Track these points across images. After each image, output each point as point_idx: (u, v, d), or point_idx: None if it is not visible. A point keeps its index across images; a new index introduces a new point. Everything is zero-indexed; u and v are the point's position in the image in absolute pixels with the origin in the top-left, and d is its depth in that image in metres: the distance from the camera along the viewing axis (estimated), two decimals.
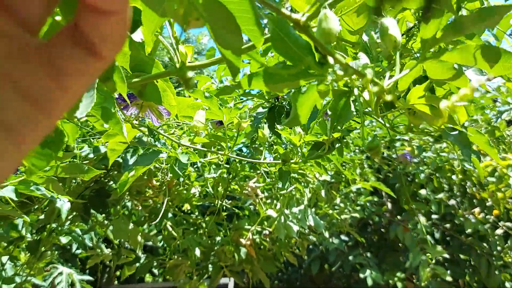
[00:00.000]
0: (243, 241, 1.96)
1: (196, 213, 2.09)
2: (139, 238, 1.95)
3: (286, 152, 1.00)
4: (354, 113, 0.49)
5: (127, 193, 1.86)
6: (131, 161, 1.21)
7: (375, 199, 2.80)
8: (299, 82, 0.47)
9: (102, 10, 0.24)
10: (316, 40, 0.40)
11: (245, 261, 2.00)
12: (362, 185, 1.92)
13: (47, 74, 0.25)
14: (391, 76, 0.47)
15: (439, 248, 2.71)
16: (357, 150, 2.18)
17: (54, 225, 1.86)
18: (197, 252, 1.78)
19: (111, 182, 1.88)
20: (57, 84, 0.25)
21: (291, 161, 0.99)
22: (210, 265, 2.03)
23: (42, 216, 1.83)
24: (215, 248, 1.99)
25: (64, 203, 1.61)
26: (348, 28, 0.65)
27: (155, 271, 2.02)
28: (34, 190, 1.00)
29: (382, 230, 3.34)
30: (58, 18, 0.37)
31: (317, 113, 0.95)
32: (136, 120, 0.97)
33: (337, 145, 1.06)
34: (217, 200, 1.52)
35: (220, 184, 1.53)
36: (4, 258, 1.90)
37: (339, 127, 1.09)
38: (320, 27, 0.44)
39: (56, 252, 2.45)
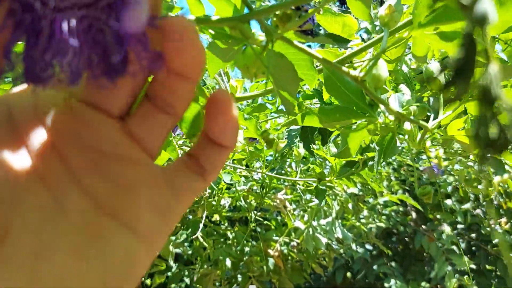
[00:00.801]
0: (271, 252, 2.00)
1: (226, 224, 2.14)
2: (170, 247, 2.01)
3: (322, 172, 1.04)
4: (400, 147, 0.53)
5: None
6: None
7: (400, 208, 2.81)
8: (351, 121, 0.51)
9: (223, 146, 0.32)
10: (370, 91, 0.44)
11: (273, 272, 2.04)
12: (389, 198, 1.94)
13: (170, 193, 0.31)
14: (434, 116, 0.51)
15: (465, 258, 2.70)
16: (383, 163, 2.20)
17: None
18: (228, 262, 1.83)
19: None
20: (176, 201, 0.32)
21: (326, 178, 1.04)
22: (238, 275, 2.07)
23: None
24: (244, 258, 2.03)
25: None
26: (385, 58, 0.69)
27: (186, 280, 2.07)
28: None
29: (407, 239, 3.33)
30: None
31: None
32: (180, 140, 1.03)
33: (370, 163, 1.10)
34: (249, 214, 1.57)
35: (253, 198, 1.58)
36: None
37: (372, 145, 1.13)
38: (371, 74, 0.48)
39: None
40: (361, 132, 0.52)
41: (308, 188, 1.19)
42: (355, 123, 0.52)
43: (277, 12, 0.46)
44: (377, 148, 0.55)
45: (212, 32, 0.56)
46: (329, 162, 1.19)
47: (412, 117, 0.50)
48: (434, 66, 0.51)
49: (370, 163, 1.10)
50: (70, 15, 0.24)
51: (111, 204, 0.29)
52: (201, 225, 1.90)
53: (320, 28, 0.50)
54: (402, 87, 0.58)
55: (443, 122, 0.55)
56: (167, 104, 0.32)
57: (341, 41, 0.45)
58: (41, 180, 0.28)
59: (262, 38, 0.41)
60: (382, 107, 0.46)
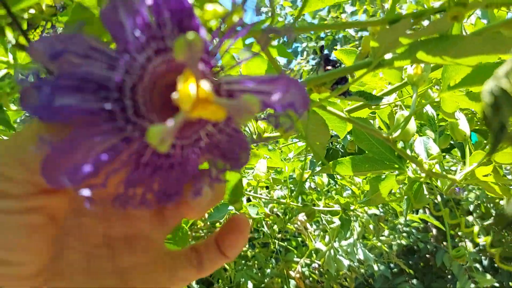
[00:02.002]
0: (292, 273, 2.00)
1: (247, 245, 2.15)
2: None
3: (348, 203, 1.05)
4: (427, 196, 0.55)
5: None
6: None
7: (421, 225, 2.78)
8: (381, 171, 0.53)
9: (226, 256, 0.38)
10: (401, 151, 0.45)
11: None
12: (410, 218, 1.93)
13: (167, 277, 0.38)
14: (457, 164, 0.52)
15: (488, 276, 2.65)
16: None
17: None
18: (250, 285, 1.83)
19: None
20: (170, 284, 0.38)
21: (351, 207, 1.05)
22: None
23: None
24: (265, 280, 2.03)
25: None
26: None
27: None
28: None
29: (428, 256, 3.29)
30: None
31: None
32: None
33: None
34: (272, 239, 1.58)
35: (275, 222, 1.59)
36: None
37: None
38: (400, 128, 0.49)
39: None
40: (390, 182, 0.54)
41: (334, 216, 1.20)
42: (384, 173, 0.54)
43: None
44: (405, 196, 0.56)
45: None
46: (349, 188, 1.20)
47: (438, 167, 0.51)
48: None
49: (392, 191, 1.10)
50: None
51: (128, 276, 0.36)
52: None
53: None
54: (429, 133, 0.59)
55: (470, 172, 0.56)
56: (200, 261, 0.39)
57: (373, 99, 0.47)
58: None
59: None
60: (413, 165, 0.48)
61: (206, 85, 0.24)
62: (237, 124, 0.25)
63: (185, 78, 0.24)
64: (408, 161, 0.51)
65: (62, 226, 0.33)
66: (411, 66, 0.48)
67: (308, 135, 0.51)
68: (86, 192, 0.27)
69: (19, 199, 0.28)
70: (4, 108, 0.47)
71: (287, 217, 1.57)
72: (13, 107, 0.42)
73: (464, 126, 0.51)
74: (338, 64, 0.43)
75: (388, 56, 0.41)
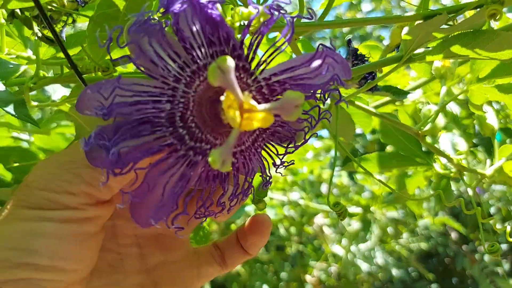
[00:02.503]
0: (308, 277, 1.98)
1: (261, 249, 2.14)
2: None
3: (368, 204, 1.03)
4: (455, 192, 0.53)
5: None
6: None
7: (440, 228, 2.73)
8: (408, 167, 0.52)
9: (248, 254, 0.41)
10: (431, 145, 0.44)
11: None
12: (431, 221, 1.89)
13: (195, 274, 0.41)
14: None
15: (510, 281, 2.60)
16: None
17: None
18: None
19: None
20: (198, 281, 0.42)
21: (371, 208, 1.03)
22: None
23: None
24: (280, 283, 2.02)
25: None
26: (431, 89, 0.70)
27: None
28: None
29: (448, 260, 3.23)
30: None
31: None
32: None
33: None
34: (289, 241, 1.57)
35: (290, 224, 1.58)
36: None
37: None
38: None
39: None
40: (417, 178, 0.53)
41: (353, 217, 1.18)
42: (411, 170, 0.53)
43: None
44: (432, 192, 0.55)
45: None
46: (368, 188, 1.18)
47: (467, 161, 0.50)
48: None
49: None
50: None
51: (157, 274, 0.39)
52: None
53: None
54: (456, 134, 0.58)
55: (498, 168, 0.54)
56: (223, 259, 0.42)
57: (400, 94, 0.46)
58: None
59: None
60: (442, 159, 0.47)
61: (248, 99, 0.25)
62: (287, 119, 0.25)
63: (227, 99, 0.25)
64: (435, 156, 0.50)
65: None
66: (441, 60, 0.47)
67: (333, 130, 0.50)
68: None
69: (77, 210, 0.31)
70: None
71: (303, 218, 1.56)
72: (34, 103, 0.42)
73: (492, 119, 0.50)
74: (366, 59, 0.43)
75: (418, 50, 0.40)
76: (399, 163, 0.50)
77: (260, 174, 0.34)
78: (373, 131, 0.98)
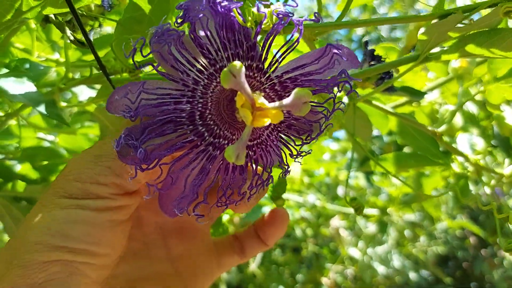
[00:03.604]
0: (324, 280, 1.98)
1: (277, 251, 2.14)
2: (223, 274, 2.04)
3: (385, 207, 1.03)
4: (473, 192, 0.54)
5: None
6: None
7: (458, 232, 2.70)
8: (425, 168, 0.52)
9: (266, 245, 0.44)
10: (448, 145, 0.45)
11: None
12: (448, 224, 1.88)
13: (216, 264, 0.44)
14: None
15: None
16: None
17: None
18: None
19: None
20: (218, 270, 0.45)
21: (387, 210, 1.03)
22: None
23: None
24: (296, 285, 2.02)
25: None
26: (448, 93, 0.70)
27: None
28: None
29: (466, 264, 3.18)
30: None
31: None
32: None
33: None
34: (304, 243, 1.57)
35: (307, 226, 1.58)
36: None
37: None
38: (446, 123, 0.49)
39: None
40: (435, 179, 0.53)
41: (369, 220, 1.18)
42: (429, 170, 0.53)
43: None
44: (450, 193, 0.55)
45: None
46: (385, 190, 1.18)
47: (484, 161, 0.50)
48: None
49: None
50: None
51: (179, 263, 0.41)
52: None
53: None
54: (471, 129, 0.58)
55: None
56: (242, 249, 0.44)
57: (417, 94, 0.47)
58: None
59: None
60: (459, 158, 0.47)
61: (259, 98, 0.28)
62: (298, 114, 0.28)
63: (239, 99, 0.28)
64: (453, 157, 0.50)
65: None
66: (457, 60, 0.48)
67: (350, 131, 0.51)
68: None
69: (108, 200, 0.34)
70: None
71: (320, 220, 1.56)
72: (63, 103, 0.44)
73: (511, 119, 0.50)
74: (382, 60, 0.44)
75: (434, 50, 0.41)
76: (417, 163, 0.51)
77: (279, 164, 0.36)
78: (390, 133, 0.98)
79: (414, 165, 0.51)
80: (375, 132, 1.03)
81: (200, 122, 0.34)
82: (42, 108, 0.41)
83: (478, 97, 0.63)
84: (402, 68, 0.45)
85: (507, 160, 0.50)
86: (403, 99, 0.58)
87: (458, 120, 0.47)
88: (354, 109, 0.40)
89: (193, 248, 0.43)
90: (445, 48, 0.39)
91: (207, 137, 0.34)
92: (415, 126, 0.42)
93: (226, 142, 0.35)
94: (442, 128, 0.44)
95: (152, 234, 0.42)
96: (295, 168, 1.12)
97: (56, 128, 0.76)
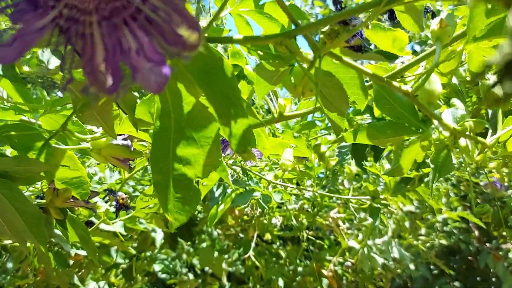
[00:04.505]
0: (325, 272, 1.96)
1: (278, 243, 2.13)
2: (224, 265, 2.03)
3: (376, 190, 1.01)
4: (456, 165, 0.51)
5: None
6: (217, 194, 1.29)
7: (462, 225, 2.66)
8: (403, 137, 0.50)
9: None
10: (422, 105, 0.43)
11: None
12: (449, 215, 1.84)
13: None
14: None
15: None
16: (441, 179, 2.11)
17: (148, 253, 1.99)
18: (281, 282, 1.81)
19: (197, 212, 1.99)
20: None
21: (381, 196, 1.01)
22: None
23: (134, 244, 1.97)
24: (297, 278, 2.00)
25: (158, 234, 1.73)
26: (438, 71, 0.67)
27: None
28: (138, 225, 1.10)
29: (470, 258, 3.14)
30: None
31: None
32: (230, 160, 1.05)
33: (426, 179, 1.06)
34: (301, 233, 1.55)
35: (304, 216, 1.56)
36: (101, 283, 2.05)
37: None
38: (424, 88, 0.47)
39: (146, 278, 2.60)
40: (414, 149, 0.51)
41: (362, 206, 1.16)
42: (408, 139, 0.51)
43: (324, 29, 0.47)
44: (431, 165, 0.53)
45: (260, 53, 0.57)
46: (383, 179, 1.16)
47: (468, 133, 0.48)
48: (491, 80, 0.49)
49: (426, 179, 1.06)
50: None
51: None
52: (252, 244, 1.90)
53: (370, 44, 0.49)
54: (455, 101, 0.56)
55: (502, 138, 0.52)
56: None
57: (392, 57, 0.44)
58: None
59: (310, 55, 0.41)
60: (436, 122, 0.45)
61: None
62: None
63: None
64: (433, 125, 0.48)
65: None
66: (436, 21, 0.45)
67: (325, 102, 0.49)
68: None
69: None
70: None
71: (315, 209, 1.54)
72: (26, 68, 0.43)
73: (497, 89, 0.47)
74: (343, 7, 0.41)
75: None
76: (394, 132, 0.49)
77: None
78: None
79: (391, 135, 0.49)
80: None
81: None
82: None
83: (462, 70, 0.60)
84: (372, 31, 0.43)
85: (490, 131, 0.47)
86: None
87: (438, 85, 0.45)
88: (320, 62, 0.38)
89: None
90: None
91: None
92: (387, 86, 0.40)
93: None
94: (419, 89, 0.41)
95: None
96: (288, 155, 1.09)
97: (37, 111, 0.74)
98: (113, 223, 1.04)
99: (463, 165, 2.07)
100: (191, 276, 2.32)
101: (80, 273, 1.71)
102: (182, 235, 2.02)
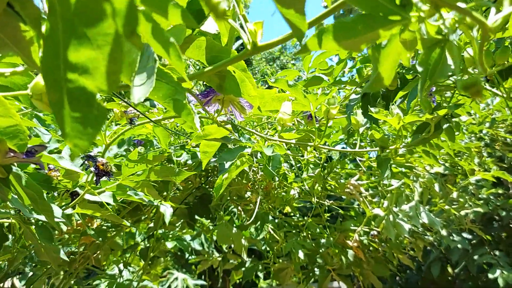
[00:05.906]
0: (349, 243, 1.84)
1: (298, 215, 2.02)
2: (243, 242, 1.95)
3: (383, 137, 0.89)
4: (452, 67, 0.39)
5: (228, 198, 1.86)
6: (227, 166, 1.19)
7: (500, 191, 2.47)
8: (379, 33, 0.38)
9: None
10: None
11: (354, 264, 1.87)
12: (482, 176, 1.68)
13: None
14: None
15: None
16: (473, 138, 1.93)
17: (160, 232, 1.94)
18: (301, 254, 1.71)
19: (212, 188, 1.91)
20: None
21: (391, 147, 0.87)
22: (316, 269, 1.94)
23: (151, 224, 1.92)
24: (320, 250, 1.90)
25: (167, 208, 1.66)
26: None
27: (260, 275, 1.99)
28: (132, 195, 1.01)
29: (511, 225, 2.93)
30: None
31: (417, 90, 0.82)
32: (220, 116, 0.94)
33: (444, 126, 0.92)
34: (313, 199, 1.44)
35: (317, 182, 1.44)
36: (121, 266, 2.02)
37: (444, 104, 0.95)
38: None
39: (169, 258, 2.57)
40: (394, 47, 0.39)
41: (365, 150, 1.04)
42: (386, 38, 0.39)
43: None
44: (420, 68, 0.41)
45: None
46: (394, 128, 1.03)
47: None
48: None
49: (444, 125, 0.92)
50: None
51: None
52: (269, 217, 1.81)
53: None
54: None
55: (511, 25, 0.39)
56: None
57: None
58: None
59: None
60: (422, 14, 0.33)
61: None
62: None
63: None
64: (415, 8, 0.36)
65: None
66: None
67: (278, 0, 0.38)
68: None
69: None
70: None
71: (326, 171, 1.42)
72: None
73: None
74: None
75: None
76: (367, 26, 0.37)
77: None
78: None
79: (364, 31, 0.38)
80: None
81: None
82: None
83: None
84: None
85: (493, 9, 0.35)
86: None
87: None
88: None
89: None
90: None
91: None
92: None
93: None
94: None
95: None
96: (286, 109, 0.99)
97: None
98: (99, 193, 0.97)
99: (497, 121, 1.89)
100: (214, 253, 2.27)
101: (95, 255, 1.66)
102: (198, 211, 1.95)
